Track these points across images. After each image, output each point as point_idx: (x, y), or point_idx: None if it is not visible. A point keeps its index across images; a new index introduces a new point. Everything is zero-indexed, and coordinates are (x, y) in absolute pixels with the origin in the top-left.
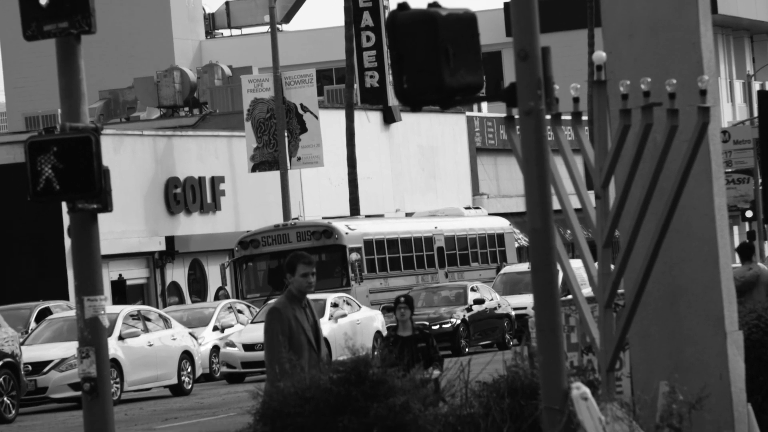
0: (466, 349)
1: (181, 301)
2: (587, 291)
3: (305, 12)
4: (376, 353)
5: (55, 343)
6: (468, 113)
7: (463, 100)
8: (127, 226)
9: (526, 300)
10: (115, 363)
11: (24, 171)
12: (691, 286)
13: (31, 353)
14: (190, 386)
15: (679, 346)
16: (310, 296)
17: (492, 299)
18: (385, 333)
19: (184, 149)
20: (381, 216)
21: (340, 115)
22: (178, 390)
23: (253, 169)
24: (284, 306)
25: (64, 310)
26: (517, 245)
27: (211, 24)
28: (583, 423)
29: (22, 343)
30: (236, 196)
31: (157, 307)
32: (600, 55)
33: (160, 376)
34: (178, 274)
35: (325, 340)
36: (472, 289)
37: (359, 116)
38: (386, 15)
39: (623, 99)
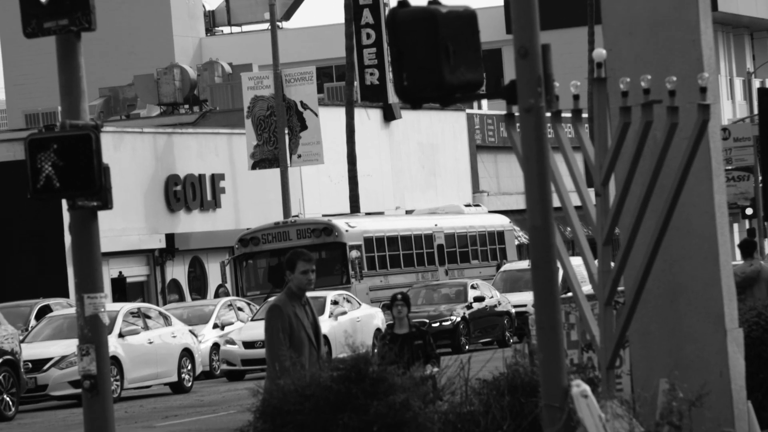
0: (466, 347)
1: (182, 299)
2: (587, 288)
3: (305, 9)
4: (375, 351)
5: (55, 340)
6: (468, 110)
7: (464, 97)
8: (128, 223)
9: (526, 297)
10: (115, 360)
11: (24, 168)
12: (691, 284)
13: (31, 351)
14: (190, 384)
15: (679, 344)
16: (310, 294)
17: (492, 297)
18: None
19: (185, 147)
20: (381, 213)
21: (340, 113)
22: (178, 387)
23: (253, 167)
24: (284, 303)
25: (64, 308)
26: (517, 243)
27: (211, 21)
28: (583, 420)
29: (22, 341)
30: (236, 193)
31: (157, 304)
32: (600, 52)
33: (160, 373)
34: (178, 271)
35: (325, 337)
36: (472, 287)
37: (359, 113)
38: (386, 12)
39: (623, 96)
